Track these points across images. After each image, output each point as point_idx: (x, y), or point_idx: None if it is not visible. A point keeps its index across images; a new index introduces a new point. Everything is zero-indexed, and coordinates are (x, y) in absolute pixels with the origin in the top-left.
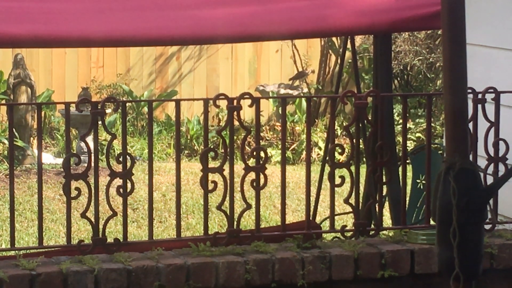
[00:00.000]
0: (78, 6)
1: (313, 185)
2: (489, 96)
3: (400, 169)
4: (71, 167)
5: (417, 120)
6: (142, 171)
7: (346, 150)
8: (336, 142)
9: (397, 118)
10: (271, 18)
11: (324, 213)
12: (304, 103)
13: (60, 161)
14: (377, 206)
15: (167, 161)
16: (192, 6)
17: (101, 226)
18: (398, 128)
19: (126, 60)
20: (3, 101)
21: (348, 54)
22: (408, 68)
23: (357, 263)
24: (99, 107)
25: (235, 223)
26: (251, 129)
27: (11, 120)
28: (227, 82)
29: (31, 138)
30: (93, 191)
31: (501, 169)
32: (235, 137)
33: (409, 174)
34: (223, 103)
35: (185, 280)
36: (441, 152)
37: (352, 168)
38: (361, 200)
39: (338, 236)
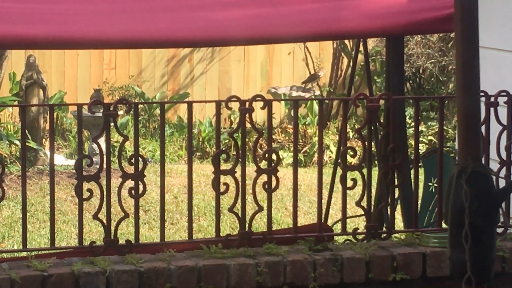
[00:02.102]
0: (91, 7)
1: (325, 187)
2: (501, 100)
3: (412, 172)
4: (83, 169)
5: (429, 123)
6: (154, 173)
7: (358, 152)
8: (348, 144)
9: (409, 121)
10: (284, 21)
11: (336, 215)
12: (316, 106)
13: (72, 162)
14: (389, 209)
15: (179, 163)
16: (205, 8)
17: (113, 228)
18: (410, 131)
19: (138, 62)
20: (16, 103)
21: (360, 56)
22: (421, 71)
23: (369, 266)
24: (111, 109)
25: (247, 225)
26: (263, 131)
27: (24, 121)
28: (239, 84)
29: (43, 140)
30: (105, 193)
31: None
32: (247, 139)
33: (421, 177)
34: (235, 105)
35: (196, 282)
36: (453, 155)
37: (364, 170)
38: (373, 203)
39: (349, 238)
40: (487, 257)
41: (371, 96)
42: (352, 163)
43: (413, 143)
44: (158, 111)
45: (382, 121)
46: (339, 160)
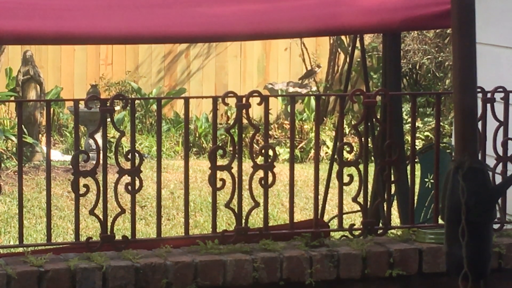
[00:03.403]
0: (88, 3)
1: (321, 183)
2: (498, 96)
3: (409, 168)
4: (80, 164)
5: (425, 119)
6: (150, 168)
7: (355, 148)
8: (345, 140)
9: (405, 117)
10: (281, 16)
11: (332, 211)
12: (312, 102)
13: (68, 158)
14: (385, 205)
15: (175, 159)
16: (202, 4)
17: (109, 223)
18: (407, 127)
19: (135, 58)
20: (12, 98)
21: (357, 52)
22: (417, 67)
23: (365, 262)
24: (108, 104)
25: (243, 221)
26: (260, 127)
27: (20, 117)
28: (236, 80)
29: (40, 135)
30: (101, 188)
31: (510, 168)
32: (243, 135)
33: (418, 173)
34: (231, 101)
35: (193, 278)
36: (449, 151)
37: (361, 166)
38: (369, 199)
39: (346, 234)
40: (484, 253)
41: (367, 92)
42: (349, 159)
43: (409, 139)
44: (154, 106)
45: (378, 117)
46: (335, 156)
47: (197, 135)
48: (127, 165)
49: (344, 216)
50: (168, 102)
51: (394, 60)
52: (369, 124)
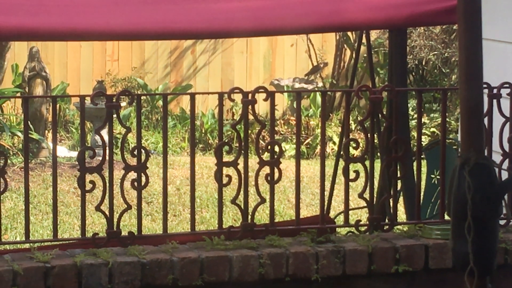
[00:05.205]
0: None
1: (327, 179)
2: (504, 91)
3: (415, 164)
4: (86, 160)
5: (431, 115)
6: (156, 164)
7: (361, 144)
8: (351, 136)
9: (411, 113)
10: (287, 12)
11: (338, 207)
12: (318, 98)
13: (74, 154)
14: (391, 201)
15: (181, 155)
16: (208, 0)
17: (115, 219)
18: (413, 123)
19: (141, 54)
20: (18, 94)
21: (363, 48)
22: (423, 63)
23: (371, 258)
24: (114, 101)
25: (249, 217)
26: (266, 123)
27: (26, 113)
28: (242, 76)
29: (46, 131)
30: (107, 185)
31: None
32: (249, 131)
33: (424, 169)
34: (238, 97)
35: (199, 274)
36: (455, 147)
37: (367, 162)
38: (375, 195)
39: (352, 230)
40: (490, 249)
41: (373, 87)
42: (355, 155)
43: (415, 135)
44: (160, 102)
45: (384, 113)
46: (341, 152)
47: (203, 131)
48: (133, 161)
49: (350, 212)
50: (174, 98)
51: (400, 56)
52: (375, 120)
